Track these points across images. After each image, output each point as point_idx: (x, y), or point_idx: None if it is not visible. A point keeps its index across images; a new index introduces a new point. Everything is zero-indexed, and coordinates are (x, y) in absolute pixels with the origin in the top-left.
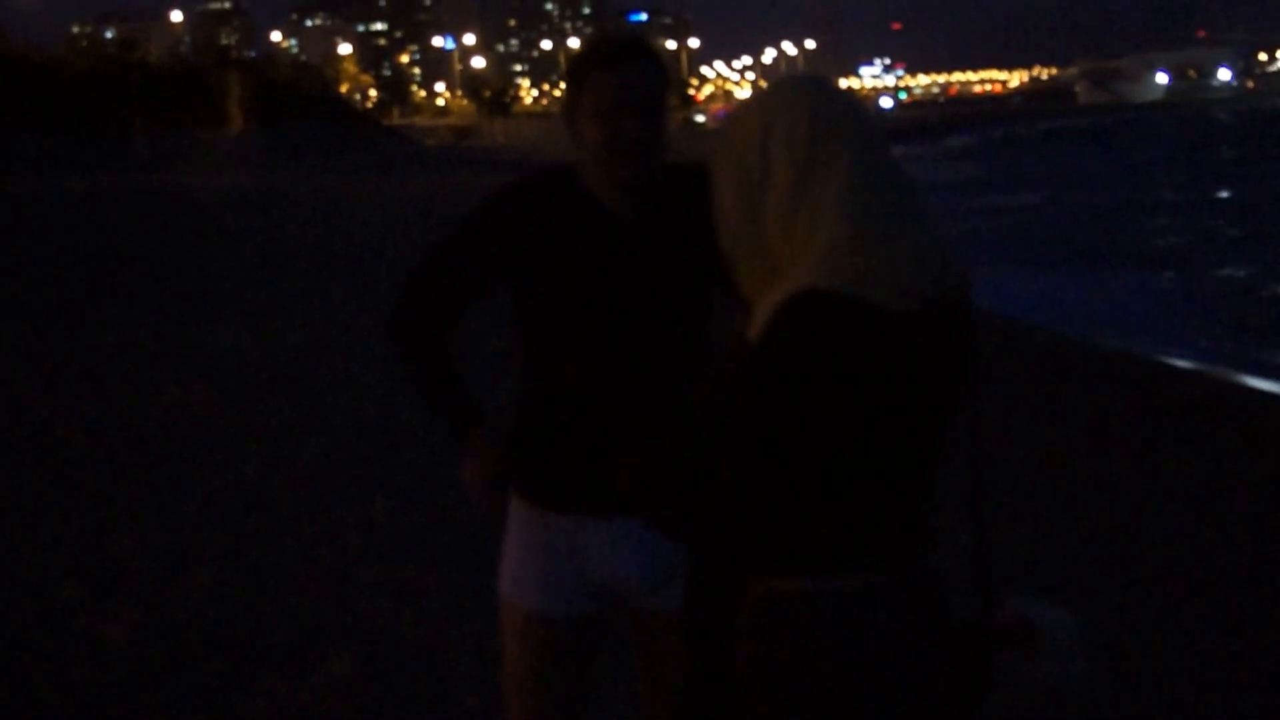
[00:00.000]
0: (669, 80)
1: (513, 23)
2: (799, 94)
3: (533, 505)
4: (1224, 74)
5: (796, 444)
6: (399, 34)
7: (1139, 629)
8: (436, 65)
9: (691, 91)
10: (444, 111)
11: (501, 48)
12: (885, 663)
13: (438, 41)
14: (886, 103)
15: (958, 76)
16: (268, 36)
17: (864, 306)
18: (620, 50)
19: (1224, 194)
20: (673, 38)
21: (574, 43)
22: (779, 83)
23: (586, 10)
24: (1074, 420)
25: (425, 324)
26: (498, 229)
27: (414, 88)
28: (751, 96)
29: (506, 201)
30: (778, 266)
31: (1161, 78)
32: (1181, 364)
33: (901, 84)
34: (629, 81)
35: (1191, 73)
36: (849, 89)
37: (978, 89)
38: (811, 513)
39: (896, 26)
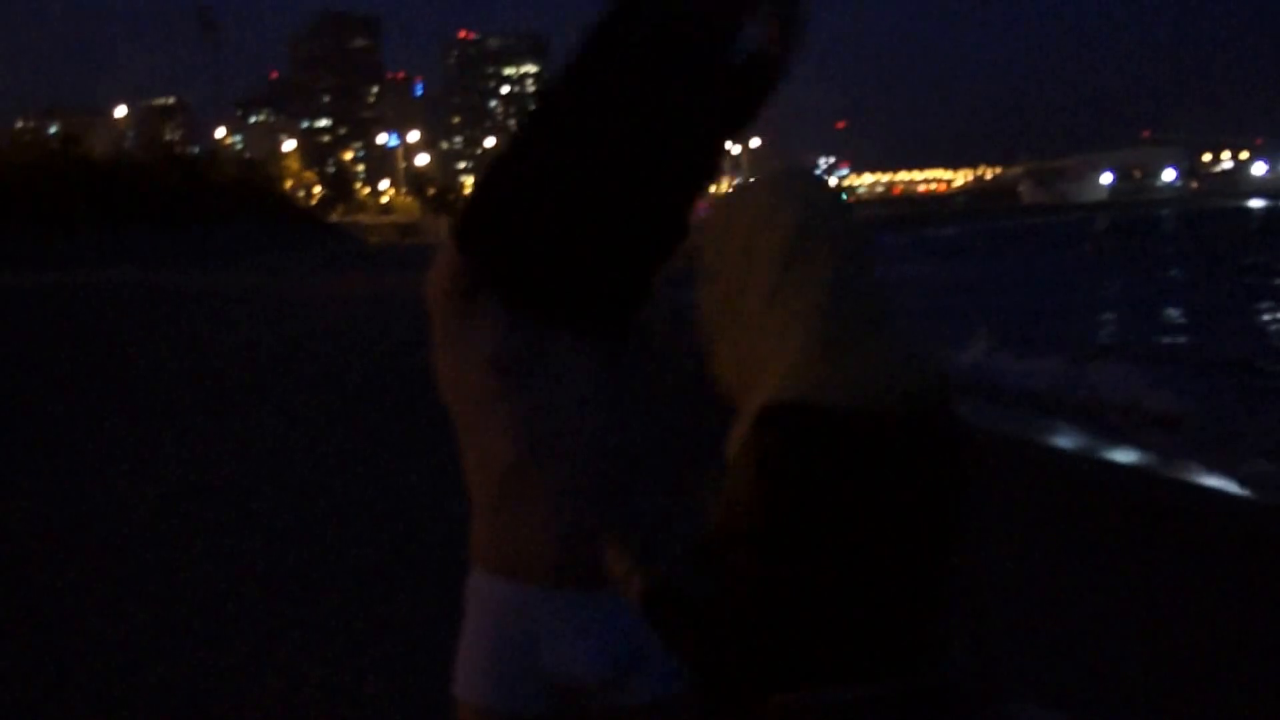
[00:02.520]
0: None
1: (457, 120)
2: (789, 189)
3: (488, 575)
4: (1169, 174)
5: (793, 557)
6: (343, 130)
7: None
8: (380, 162)
9: None
10: (388, 209)
11: (446, 145)
12: None
13: (382, 138)
14: None
15: (902, 175)
16: (212, 132)
17: (830, 413)
18: None
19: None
20: None
21: None
22: (770, 176)
23: (530, 108)
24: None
25: None
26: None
27: (358, 185)
28: (741, 188)
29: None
30: (750, 375)
31: (1106, 178)
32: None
33: (846, 183)
34: None
35: (1136, 173)
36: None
37: (922, 188)
38: (815, 625)
39: (841, 125)
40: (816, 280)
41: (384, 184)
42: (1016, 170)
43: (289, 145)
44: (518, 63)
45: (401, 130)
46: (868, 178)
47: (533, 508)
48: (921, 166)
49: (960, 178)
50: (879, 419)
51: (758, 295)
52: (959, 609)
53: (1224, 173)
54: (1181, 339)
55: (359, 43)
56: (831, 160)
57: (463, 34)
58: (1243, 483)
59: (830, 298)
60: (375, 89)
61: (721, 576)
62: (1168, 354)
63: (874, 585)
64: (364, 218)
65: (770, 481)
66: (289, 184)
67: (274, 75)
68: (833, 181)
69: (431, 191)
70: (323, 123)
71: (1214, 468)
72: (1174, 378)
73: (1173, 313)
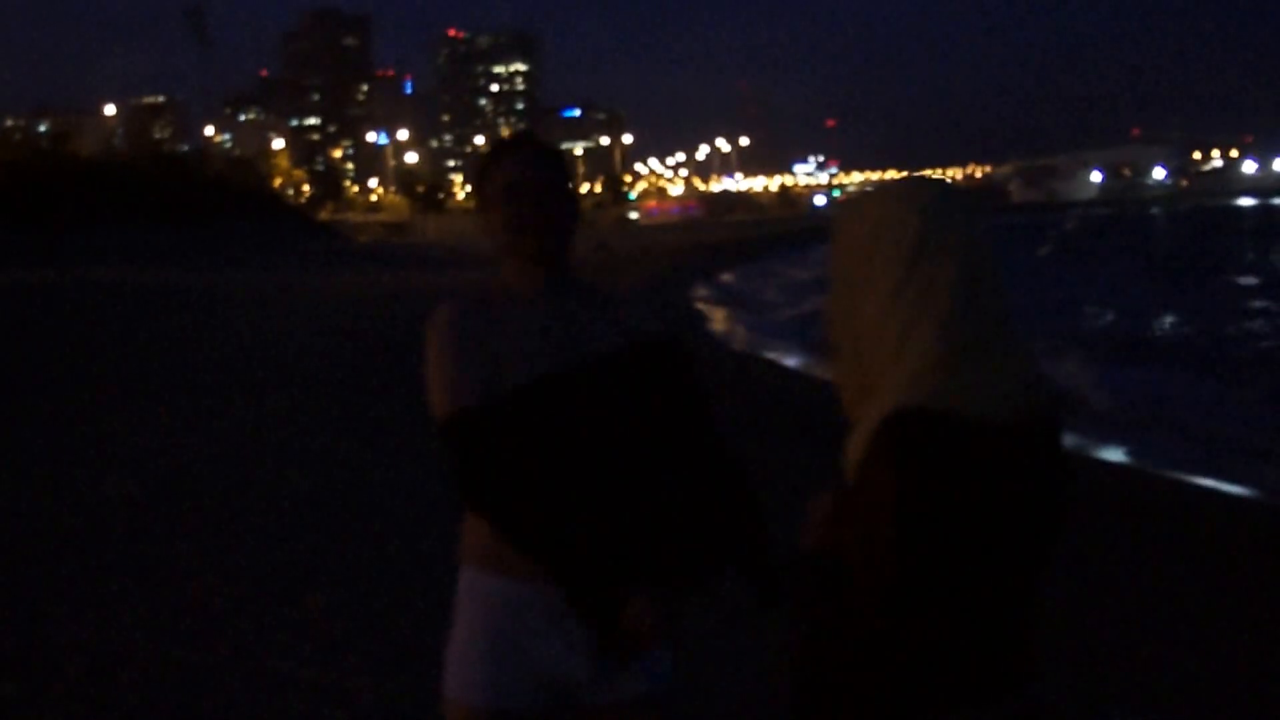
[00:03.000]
0: (564, 164)
1: (446, 118)
2: (915, 195)
3: (479, 571)
4: (1159, 173)
5: (917, 575)
6: (332, 129)
7: None
8: (370, 160)
9: (625, 188)
10: (376, 207)
11: (435, 143)
12: None
13: (371, 137)
14: (820, 200)
15: (892, 174)
16: (201, 131)
17: (955, 420)
18: (523, 144)
19: None
20: (607, 133)
21: None
22: (896, 181)
23: (520, 106)
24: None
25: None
26: (465, 323)
27: (347, 183)
28: (865, 193)
29: (456, 305)
30: (870, 380)
31: (1095, 176)
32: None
33: (835, 181)
34: (522, 166)
35: (1126, 171)
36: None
37: None
38: (934, 648)
39: (831, 124)
40: (941, 283)
41: (373, 182)
42: (1006, 169)
43: (278, 143)
44: (507, 61)
45: (391, 128)
46: (857, 176)
47: None
48: (911, 165)
49: (949, 175)
50: (1003, 429)
51: (880, 299)
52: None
53: (1214, 170)
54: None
55: (349, 41)
56: (821, 159)
57: (452, 32)
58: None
59: (955, 301)
60: (365, 87)
61: (848, 584)
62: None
63: (991, 603)
64: (353, 216)
65: (905, 483)
66: (278, 182)
67: (264, 73)
68: (824, 179)
69: (421, 189)
70: (312, 121)
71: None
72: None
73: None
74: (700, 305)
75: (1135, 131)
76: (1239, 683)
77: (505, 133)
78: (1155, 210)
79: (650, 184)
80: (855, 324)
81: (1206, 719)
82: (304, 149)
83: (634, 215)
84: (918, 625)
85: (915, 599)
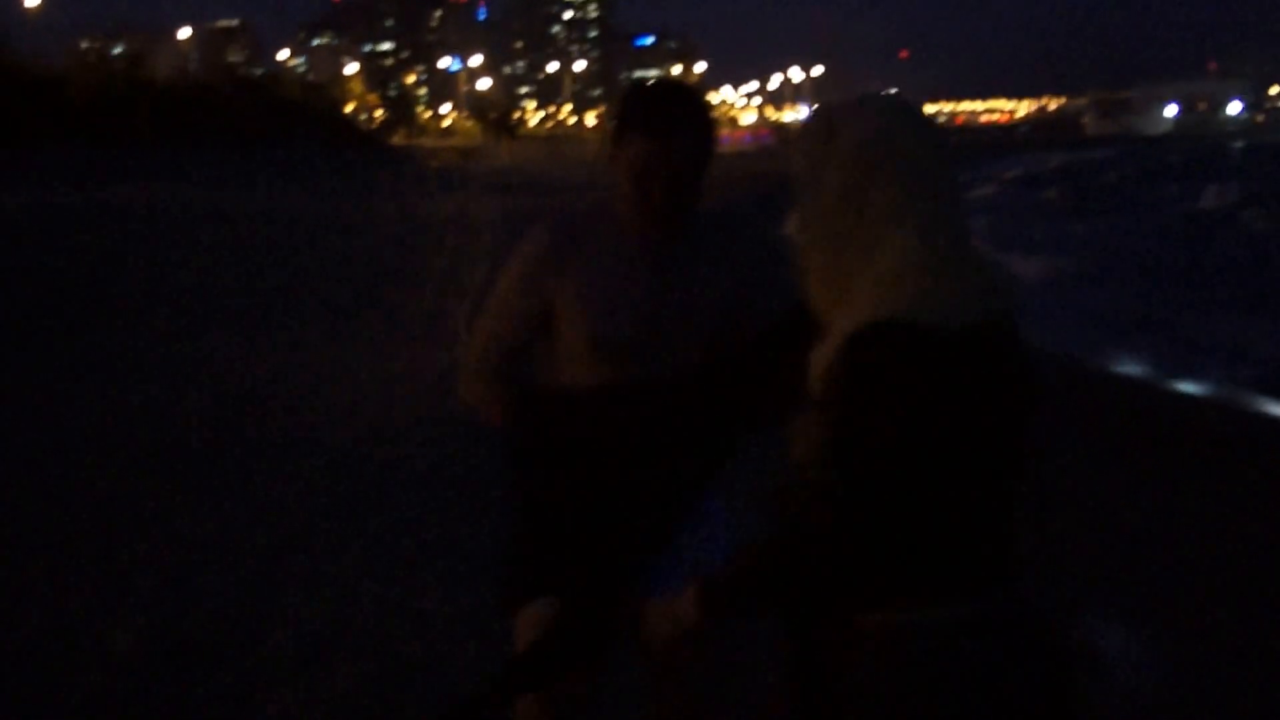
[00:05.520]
0: (714, 141)
1: (519, 45)
2: (869, 106)
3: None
4: (1234, 107)
5: (884, 476)
6: (405, 54)
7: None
8: (442, 86)
9: None
10: (449, 132)
11: (508, 70)
12: (991, 691)
13: (444, 63)
14: None
15: (965, 106)
16: (274, 55)
17: (929, 331)
18: (663, 120)
19: None
20: (679, 62)
21: (579, 65)
22: (860, 99)
23: (593, 33)
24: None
25: (498, 379)
26: (545, 270)
27: (420, 108)
28: (830, 108)
29: (544, 241)
30: (839, 283)
31: (1170, 110)
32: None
33: None
34: (664, 148)
35: (1201, 105)
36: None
37: (984, 118)
38: (907, 544)
39: (904, 55)
40: (912, 195)
41: (445, 108)
42: (1081, 101)
43: (351, 68)
44: None
45: (464, 55)
46: (930, 108)
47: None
48: (984, 97)
49: (1023, 108)
50: (969, 338)
51: (851, 210)
52: (1028, 530)
53: None
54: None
55: None
56: (894, 90)
57: None
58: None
59: (927, 213)
60: (438, 13)
61: (814, 489)
62: None
63: (956, 504)
64: (426, 141)
65: (869, 399)
66: (351, 107)
67: None
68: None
69: (493, 115)
70: (385, 46)
71: None
72: None
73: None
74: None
75: (1211, 65)
76: (1226, 591)
77: (582, 64)
78: (1239, 144)
79: (722, 113)
80: (826, 234)
81: (1188, 626)
82: (377, 75)
83: None
84: (886, 527)
85: (878, 504)
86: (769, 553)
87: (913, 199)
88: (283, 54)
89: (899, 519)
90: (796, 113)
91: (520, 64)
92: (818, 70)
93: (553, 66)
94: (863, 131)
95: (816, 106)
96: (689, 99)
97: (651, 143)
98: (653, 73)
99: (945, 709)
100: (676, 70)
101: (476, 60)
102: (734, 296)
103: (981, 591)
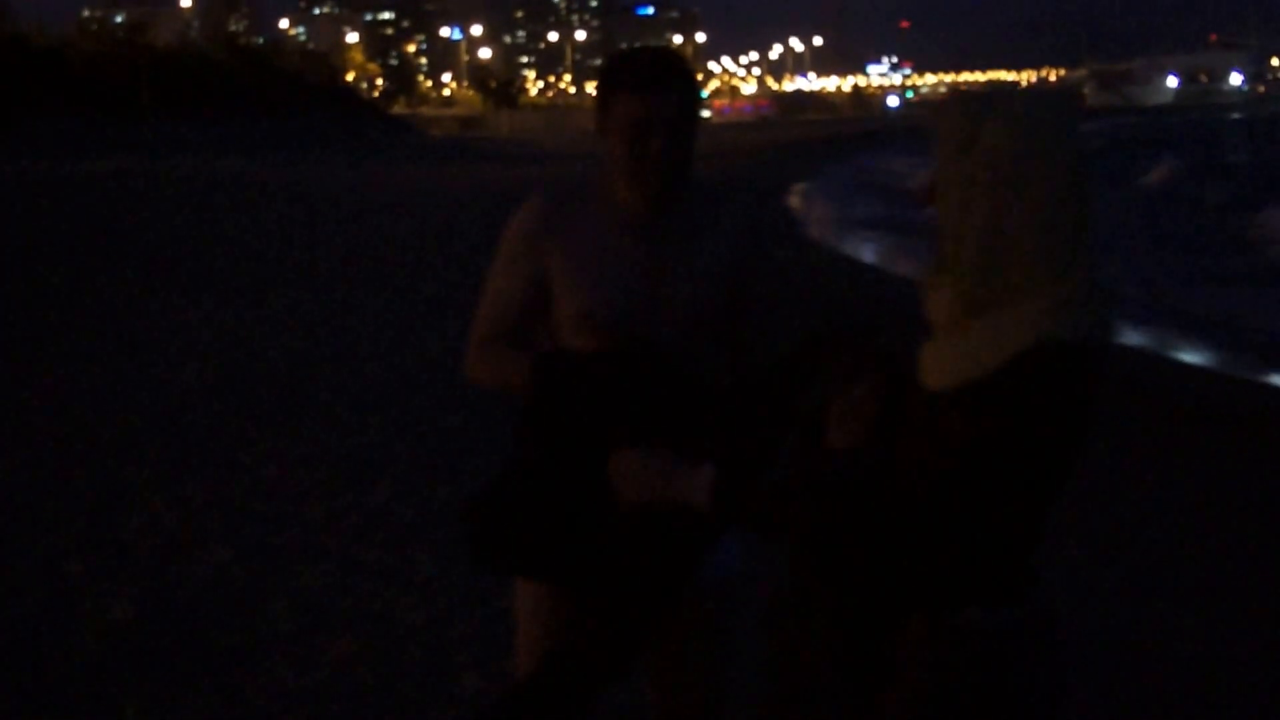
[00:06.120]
0: (699, 102)
1: (520, 14)
2: (1064, 108)
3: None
4: (1235, 78)
5: (1005, 484)
6: (406, 23)
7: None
8: (443, 55)
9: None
10: (450, 102)
11: (508, 39)
12: (1048, 687)
13: (445, 32)
14: (893, 101)
15: (965, 76)
16: (276, 24)
17: (1091, 351)
18: (649, 75)
19: None
20: (679, 32)
21: (580, 35)
22: (1038, 89)
23: (594, 3)
24: None
25: (508, 349)
26: (538, 242)
27: (420, 78)
28: (1002, 92)
29: (537, 213)
30: (993, 296)
31: (1171, 81)
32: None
33: (909, 83)
34: (656, 105)
35: (1202, 76)
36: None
37: None
38: (993, 548)
39: (905, 25)
40: (1087, 207)
41: (446, 77)
42: (1081, 72)
43: (352, 37)
44: None
45: (464, 24)
46: (930, 78)
47: None
48: (985, 68)
49: (1024, 79)
50: (1102, 351)
51: (1042, 216)
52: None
53: None
54: None
55: None
56: (895, 60)
57: None
58: None
59: (1086, 229)
60: None
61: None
62: None
63: (1043, 510)
64: (426, 110)
65: (1033, 420)
66: (352, 76)
67: None
68: (897, 80)
69: (494, 85)
70: (386, 15)
71: None
72: None
73: None
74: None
75: (1213, 37)
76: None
77: (583, 34)
78: (1236, 116)
79: (723, 83)
80: (992, 235)
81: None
82: (378, 43)
83: (705, 114)
84: (952, 530)
85: (963, 511)
86: (804, 491)
87: (1089, 212)
88: (284, 23)
89: (974, 525)
90: (795, 84)
91: (521, 33)
92: (818, 40)
93: (553, 36)
94: (1059, 136)
95: (952, 95)
96: (671, 57)
97: (641, 98)
98: (652, 43)
99: (989, 711)
100: (677, 40)
101: (477, 30)
102: (726, 271)
103: (1026, 595)
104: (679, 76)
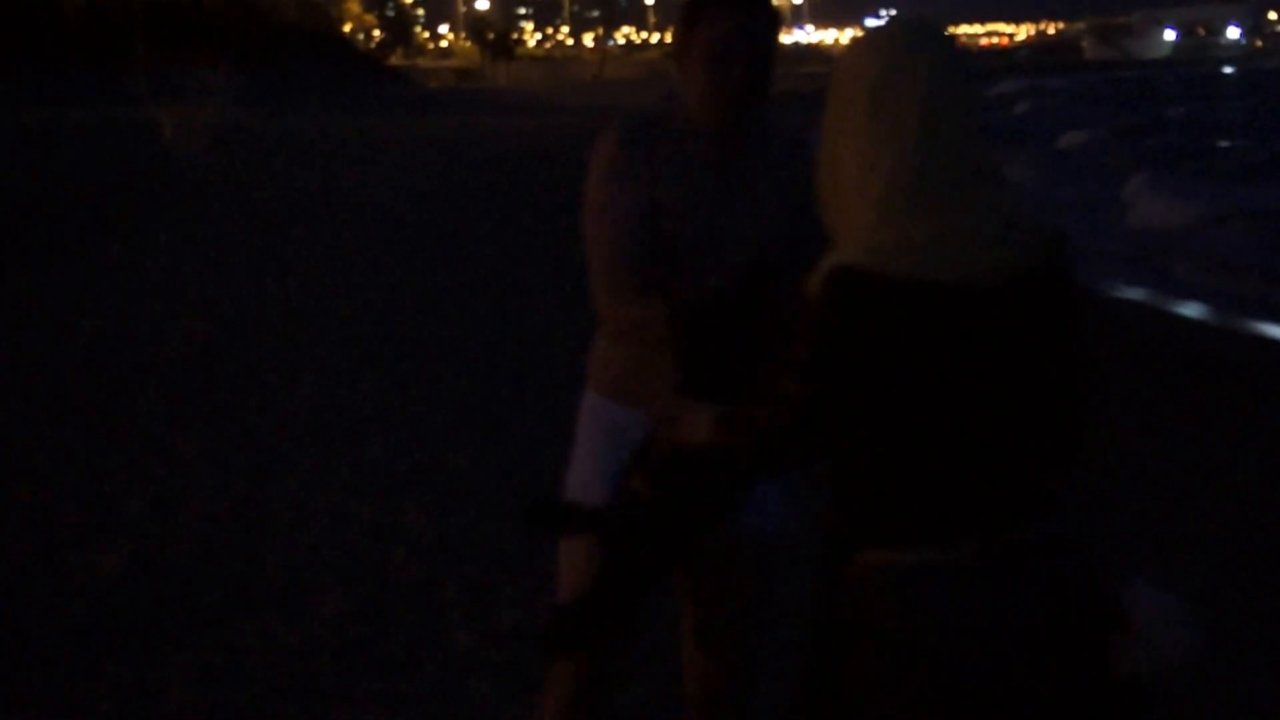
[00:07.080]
0: (780, 27)
1: None
2: (878, 40)
3: (602, 398)
4: (1233, 32)
5: (858, 418)
6: None
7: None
8: (440, 6)
9: None
10: (447, 53)
11: None
12: (987, 633)
13: None
14: None
15: (964, 29)
16: None
17: (894, 282)
18: None
19: None
20: None
21: None
22: (877, 26)
23: None
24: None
25: (644, 288)
26: (623, 161)
27: (417, 29)
28: (858, 37)
29: (615, 137)
30: (840, 221)
31: (1169, 35)
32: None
33: None
34: (744, 26)
35: (1200, 30)
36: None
37: (984, 41)
38: (891, 486)
39: None
40: (900, 133)
41: (443, 28)
42: (1079, 25)
43: None
44: None
45: None
46: None
47: (651, 349)
48: (984, 20)
49: (1023, 32)
50: (948, 289)
51: (847, 143)
52: (1076, 469)
53: None
54: None
55: None
56: (893, 12)
57: None
58: None
59: (912, 153)
60: None
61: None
62: None
63: (949, 448)
64: (423, 62)
65: (823, 342)
66: (348, 27)
67: None
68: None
69: (491, 36)
70: None
71: None
72: None
73: None
74: None
75: None
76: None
77: None
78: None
79: None
80: (832, 165)
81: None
82: None
83: None
84: (870, 465)
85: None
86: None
87: (905, 136)
88: None
89: (875, 458)
90: (793, 35)
91: None
92: None
93: None
94: (863, 67)
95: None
96: None
97: (732, 19)
98: None
99: (942, 653)
100: None
101: None
102: (793, 216)
103: (988, 531)
104: (763, 6)
